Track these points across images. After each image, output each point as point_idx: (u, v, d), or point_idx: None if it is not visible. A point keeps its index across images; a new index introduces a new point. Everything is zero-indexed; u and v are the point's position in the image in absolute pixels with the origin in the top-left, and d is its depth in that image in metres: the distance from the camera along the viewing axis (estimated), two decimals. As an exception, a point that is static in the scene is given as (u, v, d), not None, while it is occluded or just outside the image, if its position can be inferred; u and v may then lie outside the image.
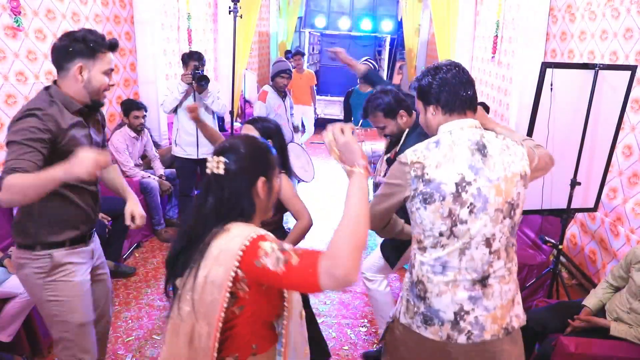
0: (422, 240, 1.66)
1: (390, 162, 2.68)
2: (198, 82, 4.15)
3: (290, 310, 1.38)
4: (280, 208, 2.41)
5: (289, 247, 1.21)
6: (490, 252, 1.62)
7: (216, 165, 1.33)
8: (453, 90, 1.67)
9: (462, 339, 1.64)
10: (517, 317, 1.74)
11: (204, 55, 4.40)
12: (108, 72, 1.95)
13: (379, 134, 2.68)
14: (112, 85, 1.99)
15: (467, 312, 1.63)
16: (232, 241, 1.24)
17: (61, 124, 1.84)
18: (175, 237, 1.41)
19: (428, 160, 1.59)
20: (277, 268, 1.17)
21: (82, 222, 2.04)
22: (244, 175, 1.34)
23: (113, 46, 1.96)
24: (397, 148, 2.64)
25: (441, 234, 1.61)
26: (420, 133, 2.54)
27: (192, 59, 4.26)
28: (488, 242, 1.61)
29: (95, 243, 2.20)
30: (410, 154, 1.63)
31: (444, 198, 1.57)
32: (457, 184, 1.57)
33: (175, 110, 4.36)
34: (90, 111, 2.02)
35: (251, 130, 2.37)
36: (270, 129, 2.44)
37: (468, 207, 1.58)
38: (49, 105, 1.84)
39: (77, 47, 1.85)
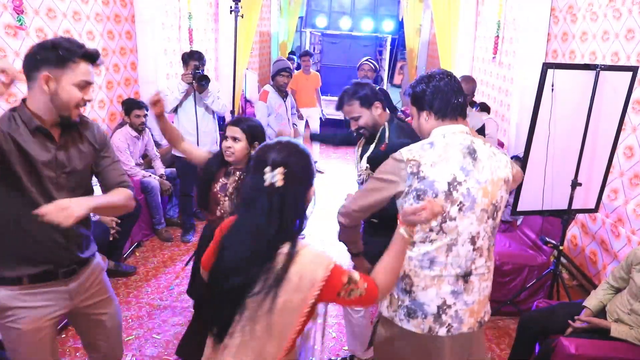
0: None
1: (374, 158, 2.52)
2: (198, 81, 4.14)
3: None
4: None
5: (353, 275, 1.38)
6: (474, 249, 1.73)
7: (279, 177, 1.32)
8: (445, 98, 1.77)
9: (442, 331, 1.74)
10: (488, 312, 1.87)
11: (205, 54, 4.40)
12: (82, 85, 1.69)
13: (353, 126, 2.61)
14: (88, 100, 1.72)
15: (449, 306, 1.73)
16: (310, 268, 1.32)
17: (17, 140, 1.63)
18: (230, 257, 1.36)
19: (424, 158, 1.68)
20: (351, 298, 1.37)
21: (45, 260, 1.77)
22: (302, 184, 1.39)
23: (90, 56, 1.70)
24: (386, 141, 2.53)
25: (431, 230, 1.69)
26: (398, 125, 2.55)
27: (193, 59, 4.26)
28: (473, 240, 1.72)
29: (82, 281, 1.90)
30: (405, 152, 1.70)
31: (436, 195, 1.65)
32: (449, 183, 1.66)
33: (175, 110, 4.36)
34: (64, 129, 1.76)
35: (236, 132, 2.34)
36: (257, 129, 2.41)
37: (458, 205, 1.67)
38: (6, 121, 1.65)
39: (44, 54, 1.63)
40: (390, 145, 2.48)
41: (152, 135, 4.84)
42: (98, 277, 1.99)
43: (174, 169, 4.78)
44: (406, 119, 5.14)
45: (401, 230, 1.45)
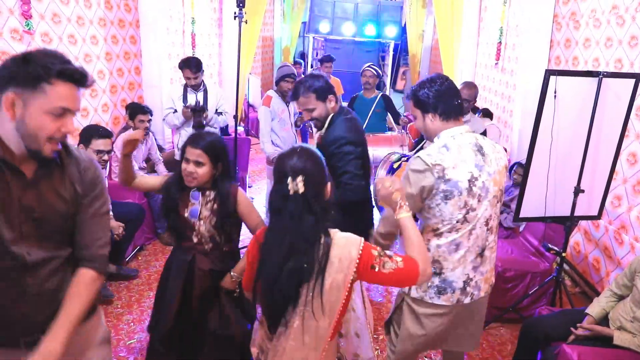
0: (439, 228, 1.98)
1: (318, 147, 2.57)
2: (195, 128, 4.25)
3: None
4: (235, 225, 2.31)
5: (389, 252, 1.55)
6: (487, 229, 2.03)
7: (301, 185, 1.50)
8: (448, 101, 2.00)
9: (467, 300, 2.06)
10: (494, 275, 2.20)
11: (209, 59, 4.43)
12: (58, 113, 1.31)
13: (306, 117, 2.75)
14: (67, 132, 1.35)
15: (472, 279, 2.04)
16: (346, 250, 1.52)
17: None
18: (273, 259, 1.52)
19: (445, 162, 1.91)
20: (387, 270, 1.51)
21: (2, 323, 1.42)
22: (320, 184, 1.57)
23: (72, 76, 1.32)
24: (323, 132, 2.71)
25: (457, 221, 1.95)
26: (345, 119, 2.68)
27: (187, 66, 4.27)
28: (487, 222, 2.02)
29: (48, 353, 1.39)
30: (426, 158, 1.91)
31: (461, 193, 1.91)
32: (469, 181, 1.92)
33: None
34: (42, 164, 1.39)
35: (200, 156, 2.10)
36: (219, 146, 2.17)
37: (477, 198, 1.95)
38: None
39: (13, 70, 1.28)
40: (323, 141, 2.65)
41: (155, 139, 4.86)
42: (81, 351, 1.57)
43: (177, 173, 4.80)
44: (409, 123, 5.16)
45: (399, 216, 1.63)
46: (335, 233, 1.56)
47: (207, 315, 2.24)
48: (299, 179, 1.49)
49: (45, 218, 1.40)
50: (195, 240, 2.22)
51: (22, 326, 1.43)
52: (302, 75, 7.10)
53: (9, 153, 1.34)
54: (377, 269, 1.51)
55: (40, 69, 1.27)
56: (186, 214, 2.20)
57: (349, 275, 1.51)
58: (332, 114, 2.71)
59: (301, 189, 1.49)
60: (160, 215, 4.50)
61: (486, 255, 2.06)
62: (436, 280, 2.02)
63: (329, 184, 1.61)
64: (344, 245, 1.53)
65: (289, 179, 1.50)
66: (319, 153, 1.62)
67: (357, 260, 1.51)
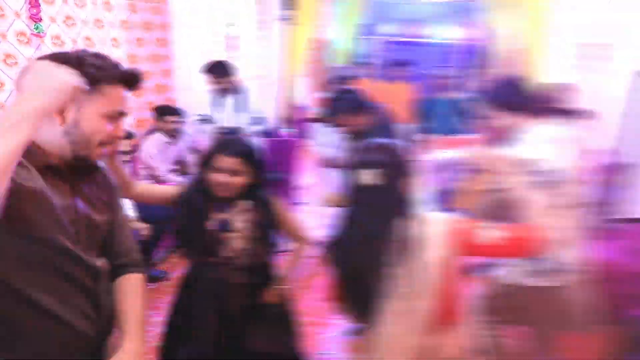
0: None
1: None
2: None
3: None
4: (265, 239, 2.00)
5: (490, 222, 1.50)
6: None
7: (372, 178, 1.58)
8: (526, 98, 2.12)
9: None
10: None
11: (251, 60, 4.31)
12: (114, 117, 1.24)
13: (347, 131, 2.96)
14: (117, 137, 1.27)
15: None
16: (436, 228, 1.50)
17: (24, 182, 1.10)
18: (351, 242, 1.66)
19: (545, 156, 1.94)
20: (487, 241, 1.46)
21: (59, 344, 1.23)
22: (398, 179, 1.61)
23: (128, 79, 1.25)
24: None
25: None
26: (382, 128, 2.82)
27: (208, 71, 4.24)
28: None
29: None
30: (527, 154, 1.94)
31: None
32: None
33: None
34: (73, 170, 1.26)
35: (236, 164, 1.88)
36: (255, 153, 1.95)
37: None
38: None
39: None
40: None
41: (190, 142, 4.64)
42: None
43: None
44: (487, 125, 4.98)
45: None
46: (423, 215, 1.57)
47: (250, 334, 2.01)
48: (375, 171, 1.57)
49: (98, 224, 1.33)
50: (226, 255, 1.95)
51: (81, 348, 1.29)
52: (370, 76, 6.75)
53: (53, 158, 1.21)
54: (474, 241, 1.47)
55: (98, 71, 1.18)
56: (213, 227, 1.92)
57: (442, 251, 1.48)
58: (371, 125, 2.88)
59: (373, 181, 1.57)
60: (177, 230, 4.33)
61: None
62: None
63: (408, 179, 1.62)
64: (434, 223, 1.53)
65: (361, 171, 1.60)
66: (403, 148, 1.67)
67: (449, 235, 1.48)
